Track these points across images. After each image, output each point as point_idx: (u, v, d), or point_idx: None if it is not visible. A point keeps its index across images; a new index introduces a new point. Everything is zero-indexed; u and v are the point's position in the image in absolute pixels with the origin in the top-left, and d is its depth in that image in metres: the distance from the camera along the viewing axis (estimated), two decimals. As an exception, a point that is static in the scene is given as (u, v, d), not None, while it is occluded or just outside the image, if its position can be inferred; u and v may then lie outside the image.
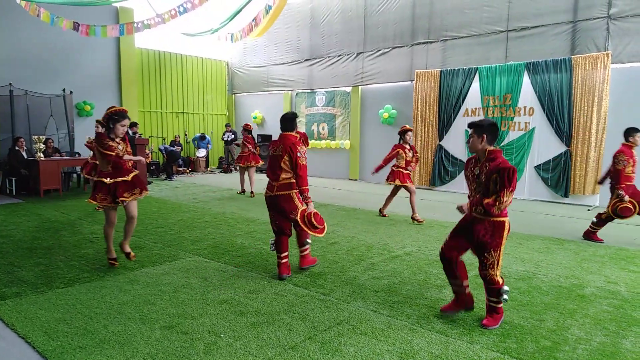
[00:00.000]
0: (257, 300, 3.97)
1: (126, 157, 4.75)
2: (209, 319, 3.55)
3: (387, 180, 7.77)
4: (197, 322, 3.50)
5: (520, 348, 3.14)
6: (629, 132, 6.02)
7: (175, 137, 15.29)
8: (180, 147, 14.95)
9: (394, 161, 7.71)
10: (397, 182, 7.59)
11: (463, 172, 3.78)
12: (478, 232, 3.43)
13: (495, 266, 3.44)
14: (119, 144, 4.73)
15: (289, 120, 4.64)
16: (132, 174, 4.82)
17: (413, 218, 7.49)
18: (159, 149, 14.23)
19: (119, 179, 4.71)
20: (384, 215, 7.98)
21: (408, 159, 7.62)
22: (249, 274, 4.68)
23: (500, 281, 3.47)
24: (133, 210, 4.89)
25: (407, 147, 7.64)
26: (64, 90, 12.00)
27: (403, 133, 7.64)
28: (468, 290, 3.70)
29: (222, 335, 3.27)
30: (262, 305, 3.86)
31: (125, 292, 4.12)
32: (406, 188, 7.60)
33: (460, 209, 3.50)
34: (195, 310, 3.73)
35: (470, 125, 3.52)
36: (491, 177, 3.32)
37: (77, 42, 12.59)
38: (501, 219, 3.40)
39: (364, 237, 6.40)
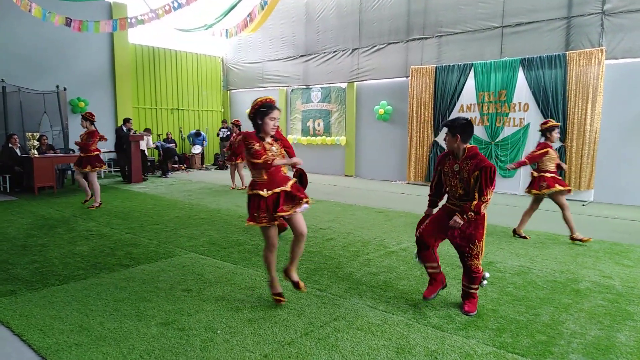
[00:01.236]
0: (253, 296, 3.97)
1: (277, 161, 3.57)
2: (205, 316, 3.55)
3: (530, 188, 6.19)
4: (194, 318, 3.50)
5: (516, 342, 3.16)
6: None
7: (167, 134, 15.21)
8: (174, 144, 14.90)
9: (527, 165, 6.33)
10: (544, 189, 5.95)
11: (436, 166, 3.84)
12: (462, 225, 3.56)
13: (480, 256, 3.61)
14: (272, 144, 3.66)
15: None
16: (290, 182, 3.70)
17: (574, 238, 5.93)
18: (155, 146, 14.16)
19: (277, 190, 3.60)
20: (523, 237, 6.22)
21: (557, 161, 6.10)
22: (245, 271, 4.68)
23: (481, 269, 3.64)
24: (301, 226, 3.71)
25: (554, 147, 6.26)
26: (57, 86, 11.91)
27: (550, 130, 5.99)
28: (440, 269, 3.89)
29: (218, 332, 3.27)
30: (259, 301, 3.86)
31: (121, 289, 4.10)
32: (556, 199, 5.99)
33: (455, 222, 3.52)
34: (192, 306, 3.73)
35: (445, 125, 3.64)
36: (473, 174, 3.45)
37: (70, 38, 12.49)
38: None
39: (360, 233, 6.41)
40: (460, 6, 11.01)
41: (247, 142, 3.54)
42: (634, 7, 8.76)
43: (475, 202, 3.42)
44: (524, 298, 3.99)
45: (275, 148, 3.63)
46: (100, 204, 8.22)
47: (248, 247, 5.60)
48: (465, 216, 3.47)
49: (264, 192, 3.55)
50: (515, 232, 6.32)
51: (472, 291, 3.68)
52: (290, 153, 4.78)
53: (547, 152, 5.95)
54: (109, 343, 3.10)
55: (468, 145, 3.56)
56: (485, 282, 3.70)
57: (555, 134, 6.00)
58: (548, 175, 5.99)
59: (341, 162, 14.01)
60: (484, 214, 3.56)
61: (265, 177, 3.59)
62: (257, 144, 3.53)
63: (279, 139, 3.76)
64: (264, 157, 3.53)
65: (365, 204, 8.84)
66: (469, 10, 10.90)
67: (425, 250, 3.77)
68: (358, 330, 3.33)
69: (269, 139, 3.63)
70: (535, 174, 6.11)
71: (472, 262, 3.59)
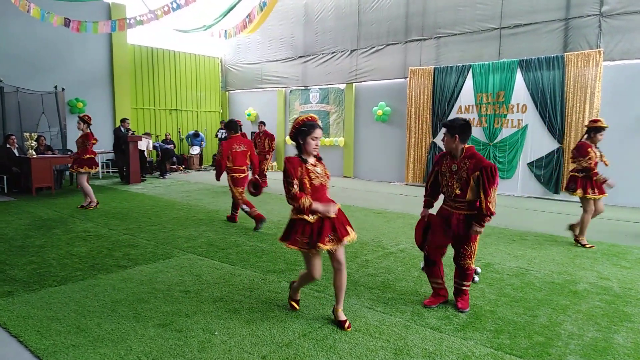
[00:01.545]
0: (251, 297, 3.97)
1: (316, 206, 3.25)
2: (203, 317, 3.54)
3: (567, 189, 6.00)
4: (191, 319, 3.49)
5: (514, 344, 3.16)
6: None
7: (166, 135, 15.20)
8: (173, 145, 14.88)
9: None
10: (590, 194, 5.70)
11: (434, 167, 3.86)
12: (458, 226, 3.61)
13: (473, 256, 3.68)
14: (316, 165, 3.37)
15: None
16: (336, 207, 3.41)
17: (578, 240, 5.97)
18: (154, 147, 14.12)
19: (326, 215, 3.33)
20: (586, 246, 5.86)
21: (597, 161, 5.76)
22: (243, 272, 4.67)
23: (473, 266, 3.72)
24: (338, 254, 3.39)
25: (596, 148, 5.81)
26: (55, 87, 11.90)
27: (596, 130, 5.66)
28: (445, 285, 3.94)
29: (216, 333, 3.27)
30: (257, 302, 3.86)
31: (119, 290, 4.09)
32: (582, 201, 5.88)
33: (475, 232, 3.55)
34: (190, 308, 3.72)
35: (444, 125, 3.66)
36: (473, 175, 3.47)
37: (69, 39, 12.48)
38: (474, 212, 3.58)
39: (358, 234, 6.35)
40: (459, 8, 11.03)
41: (290, 170, 3.22)
42: (631, 9, 8.79)
43: (483, 205, 3.44)
44: (521, 299, 4.00)
45: (319, 169, 3.36)
46: (97, 203, 8.22)
47: (246, 248, 5.60)
48: (483, 223, 3.49)
49: (310, 218, 3.29)
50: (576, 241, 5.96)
51: (464, 288, 3.74)
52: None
53: (588, 154, 5.65)
54: (107, 344, 3.09)
55: (466, 145, 3.59)
56: (477, 277, 3.77)
57: (600, 136, 5.66)
58: (580, 175, 5.79)
59: (340, 163, 14.01)
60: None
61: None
62: (299, 167, 3.26)
63: (321, 157, 3.48)
64: (306, 182, 3.28)
65: (363, 205, 8.84)
66: (467, 12, 10.92)
67: (432, 266, 3.82)
68: (356, 331, 3.33)
69: (311, 160, 3.36)
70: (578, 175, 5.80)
71: (466, 262, 3.66)
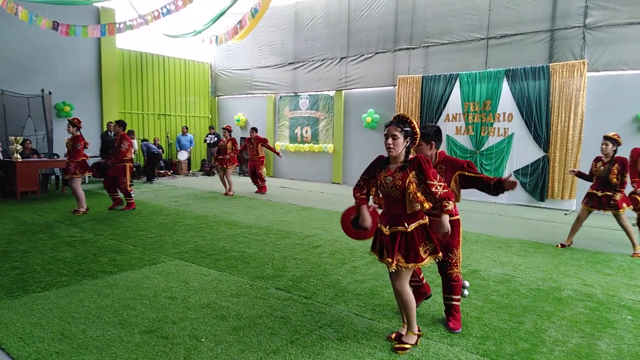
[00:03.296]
0: (238, 304, 3.95)
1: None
2: (189, 323, 3.52)
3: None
4: (178, 326, 3.47)
5: (499, 350, 3.20)
6: None
7: (155, 140, 15.07)
8: (161, 150, 14.76)
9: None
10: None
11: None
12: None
13: (459, 263, 3.60)
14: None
15: None
16: (414, 224, 3.10)
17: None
18: (141, 147, 13.87)
19: (396, 228, 3.11)
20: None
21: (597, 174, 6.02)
22: (231, 278, 4.65)
23: (461, 277, 3.62)
24: (392, 278, 3.18)
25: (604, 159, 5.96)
26: (42, 90, 11.76)
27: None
28: (424, 281, 3.92)
29: (203, 340, 3.25)
30: (244, 309, 3.84)
31: (104, 297, 4.05)
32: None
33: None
34: (176, 314, 3.69)
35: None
36: (454, 176, 3.47)
37: (56, 42, 12.36)
38: (456, 217, 3.55)
39: (346, 240, 6.42)
40: (447, 17, 11.19)
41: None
42: (614, 21, 9.00)
43: (492, 181, 3.34)
44: (507, 306, 4.04)
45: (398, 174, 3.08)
46: (87, 209, 8.16)
47: (234, 254, 5.57)
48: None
49: (385, 229, 3.10)
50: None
51: (455, 303, 3.58)
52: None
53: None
54: (91, 351, 3.05)
55: (437, 150, 3.58)
56: (466, 291, 3.66)
57: (603, 146, 5.90)
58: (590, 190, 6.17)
59: (329, 169, 14.04)
60: (460, 221, 3.57)
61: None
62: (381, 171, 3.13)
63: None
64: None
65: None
66: (455, 22, 11.08)
67: None
68: (344, 338, 3.34)
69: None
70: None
71: (452, 271, 3.55)
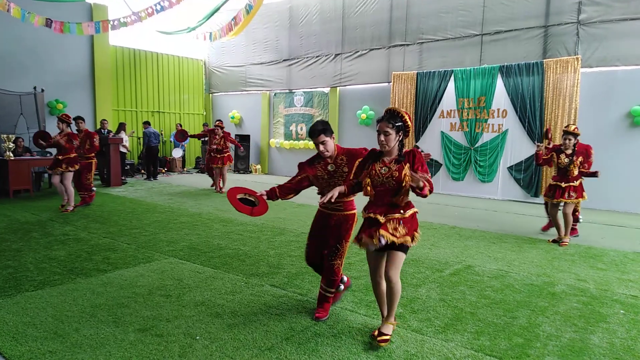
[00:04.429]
0: (233, 301, 3.94)
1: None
2: (184, 321, 3.51)
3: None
4: (172, 324, 3.46)
5: (494, 345, 3.21)
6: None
7: (160, 132, 14.92)
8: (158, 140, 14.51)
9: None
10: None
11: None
12: (335, 224, 3.59)
13: (343, 256, 3.62)
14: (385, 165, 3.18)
15: None
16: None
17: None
18: (143, 134, 13.36)
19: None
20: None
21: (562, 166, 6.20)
22: (226, 276, 4.64)
23: (341, 273, 3.68)
24: (387, 267, 3.13)
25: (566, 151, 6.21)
26: (34, 88, 11.67)
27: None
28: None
29: (197, 338, 3.24)
30: (239, 306, 3.83)
31: (98, 295, 4.03)
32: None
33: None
34: (171, 312, 3.68)
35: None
36: (355, 164, 3.49)
37: (49, 39, 12.25)
38: (353, 211, 3.62)
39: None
40: (441, 14, 11.18)
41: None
42: (607, 17, 9.03)
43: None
44: (501, 301, 4.06)
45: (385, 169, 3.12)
46: (74, 207, 8.12)
47: (229, 251, 5.56)
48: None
49: (381, 218, 3.09)
50: None
51: (329, 295, 3.62)
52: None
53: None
54: (85, 350, 3.04)
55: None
56: (342, 287, 3.73)
57: (566, 141, 6.15)
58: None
59: (323, 166, 14.02)
60: (355, 215, 3.62)
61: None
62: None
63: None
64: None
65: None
66: (449, 18, 11.08)
67: (316, 268, 3.78)
68: (339, 334, 3.34)
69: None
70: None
71: (336, 262, 3.57)
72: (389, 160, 3.11)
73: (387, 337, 3.18)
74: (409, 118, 3.13)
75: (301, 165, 3.70)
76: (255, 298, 4.03)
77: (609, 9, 9.01)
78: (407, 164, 3.06)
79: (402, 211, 3.09)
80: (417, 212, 3.17)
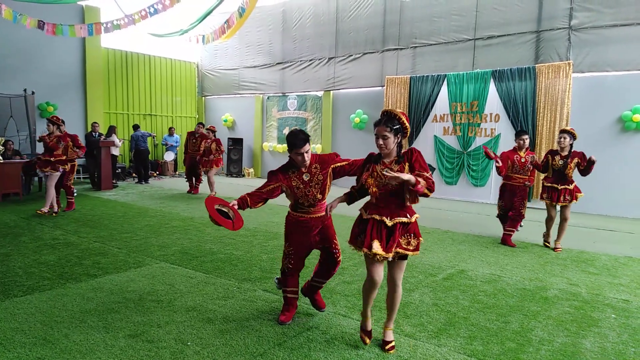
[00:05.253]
0: (225, 307, 3.91)
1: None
2: (175, 327, 3.47)
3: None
4: (163, 330, 3.42)
5: (487, 350, 3.20)
6: (515, 135, 6.56)
7: (151, 134, 14.79)
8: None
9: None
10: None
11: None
12: (322, 226, 3.66)
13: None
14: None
15: None
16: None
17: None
18: (131, 138, 13.45)
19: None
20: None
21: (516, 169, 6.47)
22: (218, 280, 4.61)
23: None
24: (393, 272, 3.20)
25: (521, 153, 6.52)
26: (25, 90, 11.56)
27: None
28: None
29: (189, 344, 3.20)
30: (231, 312, 3.80)
31: (88, 300, 3.98)
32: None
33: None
34: (162, 318, 3.64)
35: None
36: (329, 170, 3.59)
37: (39, 41, 12.16)
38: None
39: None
40: (434, 18, 11.24)
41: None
42: (598, 23, 9.12)
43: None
44: (494, 306, 4.06)
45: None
46: (56, 212, 8.01)
47: (221, 256, 5.52)
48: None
49: (388, 221, 3.07)
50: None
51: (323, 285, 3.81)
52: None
53: None
54: (74, 356, 2.99)
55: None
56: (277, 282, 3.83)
57: (561, 139, 6.14)
58: None
59: (317, 170, 13.99)
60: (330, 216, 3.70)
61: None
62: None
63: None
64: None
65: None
66: (442, 23, 11.14)
67: (292, 277, 3.68)
68: (331, 340, 3.32)
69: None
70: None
71: (340, 255, 3.72)
72: (389, 162, 3.11)
73: (394, 344, 3.20)
74: (406, 119, 3.11)
75: (274, 174, 3.55)
76: (247, 303, 4.00)
77: (600, 15, 9.11)
78: (407, 163, 3.06)
79: (408, 215, 3.08)
80: (418, 217, 3.18)
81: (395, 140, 3.07)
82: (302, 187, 3.49)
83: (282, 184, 3.51)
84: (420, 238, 3.12)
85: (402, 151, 3.13)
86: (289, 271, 3.66)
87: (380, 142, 3.05)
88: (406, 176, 2.86)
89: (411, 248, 3.06)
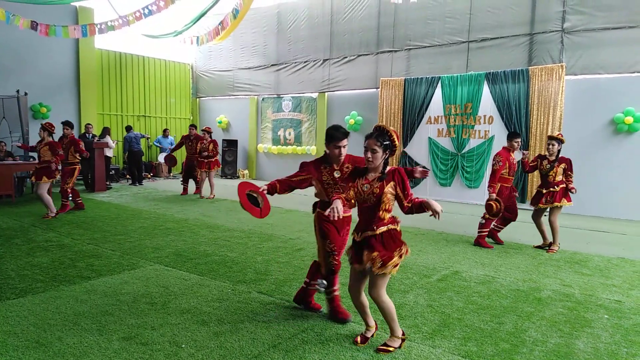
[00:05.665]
0: (220, 309, 3.90)
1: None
2: (169, 329, 3.46)
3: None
4: (158, 332, 3.40)
5: (481, 351, 3.22)
6: (509, 137, 6.49)
7: (145, 135, 14.74)
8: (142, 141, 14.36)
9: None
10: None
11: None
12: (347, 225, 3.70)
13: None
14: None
15: None
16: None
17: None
18: (124, 139, 13.40)
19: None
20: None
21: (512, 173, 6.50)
22: (212, 282, 4.60)
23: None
24: (370, 289, 3.19)
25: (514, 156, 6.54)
26: (17, 91, 11.47)
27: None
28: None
29: (183, 346, 3.19)
30: (226, 314, 3.79)
31: (82, 303, 3.95)
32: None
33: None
34: (156, 320, 3.62)
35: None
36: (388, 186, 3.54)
37: (33, 42, 12.08)
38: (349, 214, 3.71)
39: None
40: (428, 21, 11.30)
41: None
42: (591, 26, 9.21)
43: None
44: (488, 307, 4.08)
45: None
46: (56, 215, 7.95)
47: (216, 258, 5.51)
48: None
49: (357, 236, 3.23)
50: None
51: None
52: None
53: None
54: (68, 359, 2.97)
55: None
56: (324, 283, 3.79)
57: (549, 146, 6.23)
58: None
59: (311, 171, 13.99)
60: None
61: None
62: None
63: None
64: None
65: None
66: (436, 25, 11.19)
67: (336, 274, 3.74)
68: (326, 341, 3.32)
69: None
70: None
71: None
72: (372, 178, 3.12)
73: (390, 349, 3.18)
74: (397, 137, 3.15)
75: (306, 166, 3.63)
76: (242, 305, 3.99)
77: (593, 18, 9.19)
78: (391, 182, 3.08)
79: (375, 227, 3.07)
80: (395, 228, 3.11)
81: (383, 156, 3.09)
82: (332, 184, 3.55)
83: (313, 176, 3.58)
84: (394, 253, 3.03)
85: (388, 169, 3.14)
86: (335, 268, 3.67)
87: (369, 155, 3.08)
88: (438, 208, 2.90)
89: (375, 267, 3.00)
